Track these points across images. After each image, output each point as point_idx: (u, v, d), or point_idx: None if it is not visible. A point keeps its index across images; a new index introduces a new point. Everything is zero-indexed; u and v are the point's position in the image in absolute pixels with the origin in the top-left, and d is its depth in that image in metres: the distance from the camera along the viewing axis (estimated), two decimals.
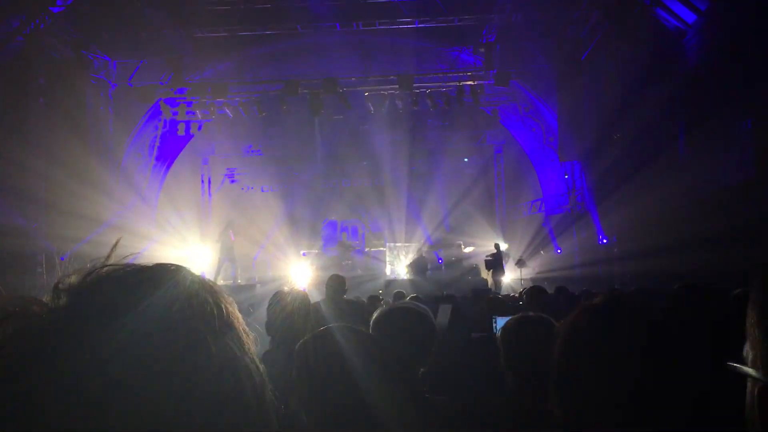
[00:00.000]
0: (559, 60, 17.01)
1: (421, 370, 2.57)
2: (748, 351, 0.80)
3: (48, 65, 16.19)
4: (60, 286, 0.72)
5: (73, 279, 0.73)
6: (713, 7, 13.64)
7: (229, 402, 0.71)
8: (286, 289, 4.20)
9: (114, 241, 0.82)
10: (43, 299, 0.72)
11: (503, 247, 20.36)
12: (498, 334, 2.83)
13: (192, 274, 0.78)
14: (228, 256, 18.16)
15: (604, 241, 17.51)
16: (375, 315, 2.61)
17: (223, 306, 0.77)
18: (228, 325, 0.76)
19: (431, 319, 2.59)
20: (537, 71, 19.08)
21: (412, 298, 7.63)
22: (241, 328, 0.79)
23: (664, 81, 14.98)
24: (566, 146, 16.99)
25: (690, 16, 14.46)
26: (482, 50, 18.29)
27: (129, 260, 0.78)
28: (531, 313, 2.75)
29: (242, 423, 0.72)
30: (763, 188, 11.53)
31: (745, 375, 0.79)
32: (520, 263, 19.21)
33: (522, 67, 18.95)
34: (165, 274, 0.76)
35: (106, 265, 0.75)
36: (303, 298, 4.31)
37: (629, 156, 15.94)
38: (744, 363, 0.80)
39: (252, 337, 0.80)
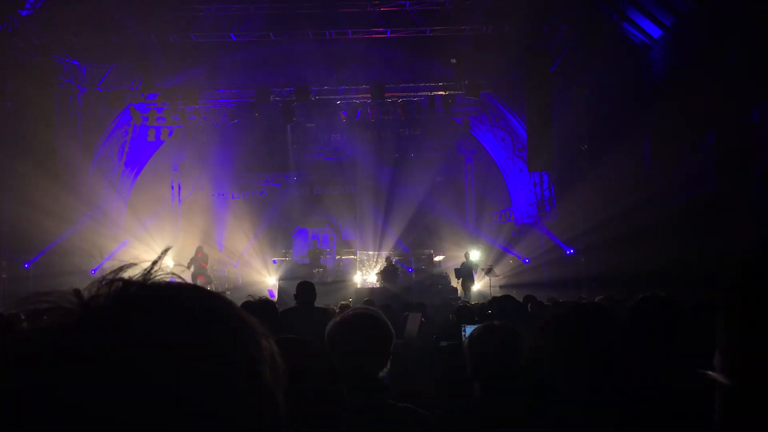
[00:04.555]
0: (529, 72, 17.20)
1: (382, 372, 2.56)
2: (717, 357, 0.82)
3: (16, 69, 15.91)
4: (102, 287, 0.70)
5: (117, 284, 0.70)
6: (678, 22, 13.92)
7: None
8: (254, 298, 4.16)
9: (162, 250, 0.80)
10: (76, 294, 0.69)
11: (473, 255, 20.45)
12: (466, 341, 2.83)
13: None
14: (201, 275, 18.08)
15: (571, 251, 17.69)
16: (329, 325, 2.60)
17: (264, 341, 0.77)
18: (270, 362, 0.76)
19: (385, 322, 2.58)
20: (507, 83, 19.28)
21: (382, 306, 7.62)
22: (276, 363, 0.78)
23: (630, 94, 15.24)
24: (535, 157, 17.16)
25: (656, 31, 14.74)
26: (454, 61, 18.43)
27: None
28: (497, 322, 2.76)
29: None
30: (726, 201, 11.76)
31: (714, 381, 0.81)
32: (489, 272, 19.32)
33: (492, 78, 19.13)
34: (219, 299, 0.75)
35: (150, 276, 0.73)
36: (270, 306, 4.27)
37: (596, 167, 16.16)
38: (714, 369, 0.82)
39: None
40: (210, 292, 0.76)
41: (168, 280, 0.74)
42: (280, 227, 24.82)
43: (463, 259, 19.53)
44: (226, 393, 0.67)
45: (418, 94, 19.43)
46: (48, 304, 0.67)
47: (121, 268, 0.73)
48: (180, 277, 0.77)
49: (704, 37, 12.70)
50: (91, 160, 19.14)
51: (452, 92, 19.12)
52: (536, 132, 16.94)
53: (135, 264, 0.75)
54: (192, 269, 17.90)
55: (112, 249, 18.75)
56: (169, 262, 0.78)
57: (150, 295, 0.70)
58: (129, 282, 0.71)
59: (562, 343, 1.59)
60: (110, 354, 0.63)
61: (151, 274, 0.73)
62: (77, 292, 0.69)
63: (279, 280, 19.45)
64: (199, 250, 18.60)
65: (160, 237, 21.17)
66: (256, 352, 0.73)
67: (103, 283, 0.70)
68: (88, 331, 0.65)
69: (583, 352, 1.53)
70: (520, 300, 8.92)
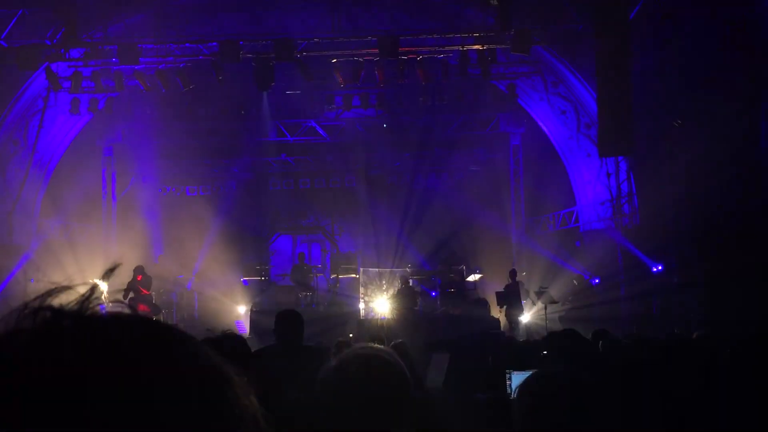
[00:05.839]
0: (600, 18, 17.14)
1: None
2: None
3: None
4: (25, 318, 0.70)
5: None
6: None
7: None
8: (216, 333, 4.17)
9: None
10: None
11: (521, 275, 20.42)
12: (514, 395, 2.83)
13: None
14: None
15: (659, 268, 17.62)
16: (322, 370, 2.59)
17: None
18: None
19: (399, 367, 2.57)
20: (569, 33, 19.21)
21: (395, 345, 7.61)
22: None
23: (743, 50, 15.15)
24: (608, 136, 17.09)
25: None
26: (494, 3, 18.41)
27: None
28: (559, 368, 2.75)
29: None
30: None
31: None
32: (543, 296, 19.27)
33: (549, 27, 19.06)
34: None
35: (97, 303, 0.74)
36: (239, 344, 4.28)
37: (694, 151, 16.09)
38: None
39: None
40: (175, 331, 0.76)
41: (114, 310, 0.74)
42: (252, 234, 24.86)
43: (508, 280, 19.48)
44: None
45: (445, 48, 19.39)
46: None
47: (49, 293, 0.72)
48: (131, 307, 0.76)
49: None
50: None
51: (492, 46, 19.06)
52: (610, 101, 16.88)
53: (69, 287, 0.74)
54: (129, 298, 17.87)
55: (16, 263, 18.84)
56: (102, 287, 0.78)
57: (89, 332, 0.70)
58: (60, 312, 0.70)
59: (643, 396, 1.58)
60: (30, 415, 0.62)
61: (91, 302, 0.73)
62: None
63: (252, 308, 19.47)
64: (138, 271, 18.61)
65: (86, 247, 21.23)
66: (234, 416, 0.73)
67: (26, 312, 0.70)
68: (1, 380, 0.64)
69: (674, 408, 1.52)
70: (588, 336, 8.89)
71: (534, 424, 2.58)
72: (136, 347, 0.69)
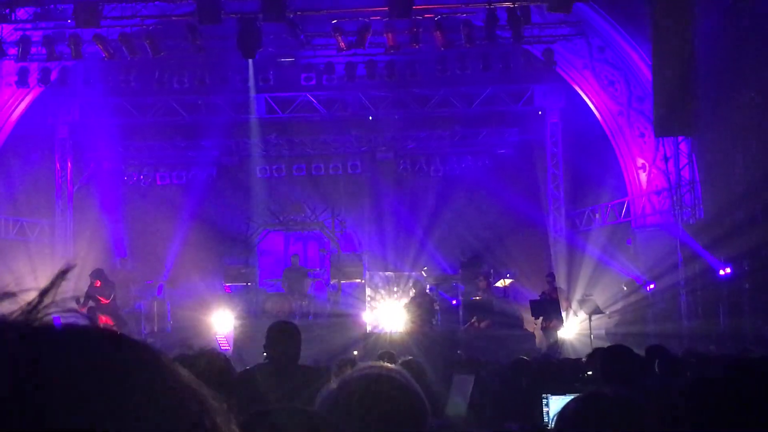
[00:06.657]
0: None
1: None
2: None
3: None
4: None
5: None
6: None
7: None
8: (193, 350, 4.18)
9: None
10: None
11: (561, 279, 20.41)
12: (552, 424, 2.82)
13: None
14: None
15: (728, 272, 17.59)
16: (322, 392, 2.58)
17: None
18: None
19: (414, 391, 2.56)
20: None
21: (407, 363, 7.62)
22: None
23: None
24: (666, 112, 17.06)
25: None
26: None
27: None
28: (607, 390, 2.74)
29: None
30: None
31: None
32: (586, 305, 19.26)
33: None
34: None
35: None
36: (221, 364, 4.30)
37: None
38: None
39: None
40: (142, 347, 0.76)
41: (68, 321, 0.74)
42: (235, 231, 24.87)
43: (545, 285, 19.48)
44: None
45: (469, 6, 19.38)
46: None
47: None
48: (90, 318, 0.76)
49: None
50: None
51: (525, 3, 19.06)
52: (668, 72, 16.84)
53: (14, 294, 0.75)
54: (86, 308, 17.87)
55: None
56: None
57: (37, 347, 0.70)
58: (3, 323, 0.71)
59: (713, 427, 1.58)
60: None
61: (39, 312, 0.73)
62: None
63: (236, 320, 19.52)
64: (96, 275, 18.62)
65: (37, 247, 21.30)
66: None
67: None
68: None
69: None
70: (642, 353, 8.89)
71: None
72: (93, 367, 0.69)
